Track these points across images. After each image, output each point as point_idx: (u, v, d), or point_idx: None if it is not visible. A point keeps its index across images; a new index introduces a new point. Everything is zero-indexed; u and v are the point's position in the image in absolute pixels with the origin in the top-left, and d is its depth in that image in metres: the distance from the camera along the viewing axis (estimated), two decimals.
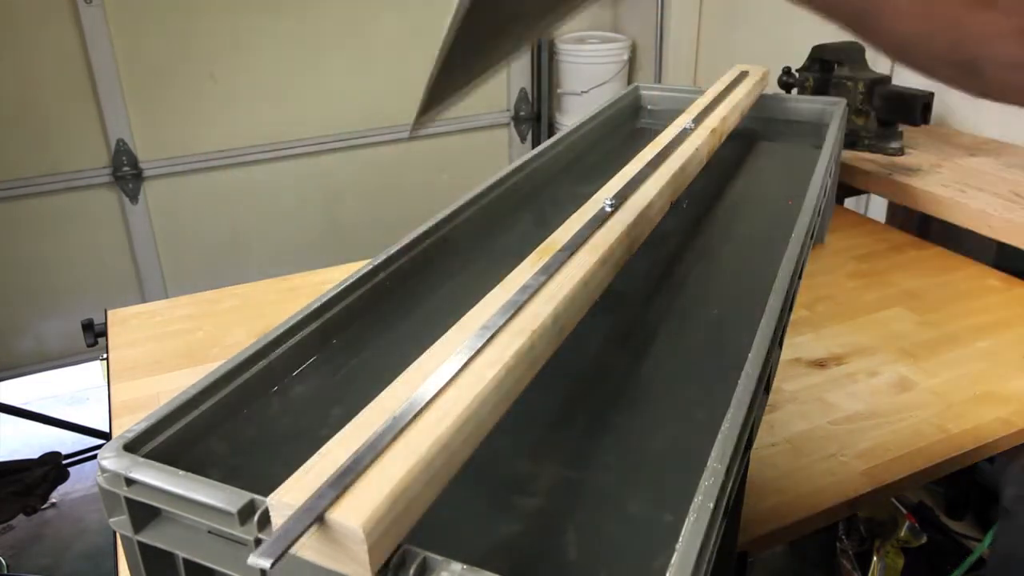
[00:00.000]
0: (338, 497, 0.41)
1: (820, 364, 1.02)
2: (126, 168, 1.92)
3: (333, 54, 2.06)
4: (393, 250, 0.78)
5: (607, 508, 0.52)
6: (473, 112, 2.36)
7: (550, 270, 0.66)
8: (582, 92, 2.61)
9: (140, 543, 0.50)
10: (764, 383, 0.60)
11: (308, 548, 0.41)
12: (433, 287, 0.80)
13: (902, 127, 1.54)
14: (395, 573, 0.42)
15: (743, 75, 1.30)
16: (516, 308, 0.60)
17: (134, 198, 1.96)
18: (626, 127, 1.33)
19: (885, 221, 1.77)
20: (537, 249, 0.70)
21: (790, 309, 0.72)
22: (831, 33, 1.59)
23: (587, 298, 0.68)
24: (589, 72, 2.61)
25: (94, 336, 1.27)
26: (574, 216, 0.77)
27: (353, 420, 0.48)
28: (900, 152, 1.52)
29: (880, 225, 1.54)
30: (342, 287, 0.72)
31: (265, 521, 0.45)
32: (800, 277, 0.80)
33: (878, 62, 1.89)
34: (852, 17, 0.37)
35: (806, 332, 1.09)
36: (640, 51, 2.70)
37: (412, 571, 0.42)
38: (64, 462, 1.94)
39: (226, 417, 0.59)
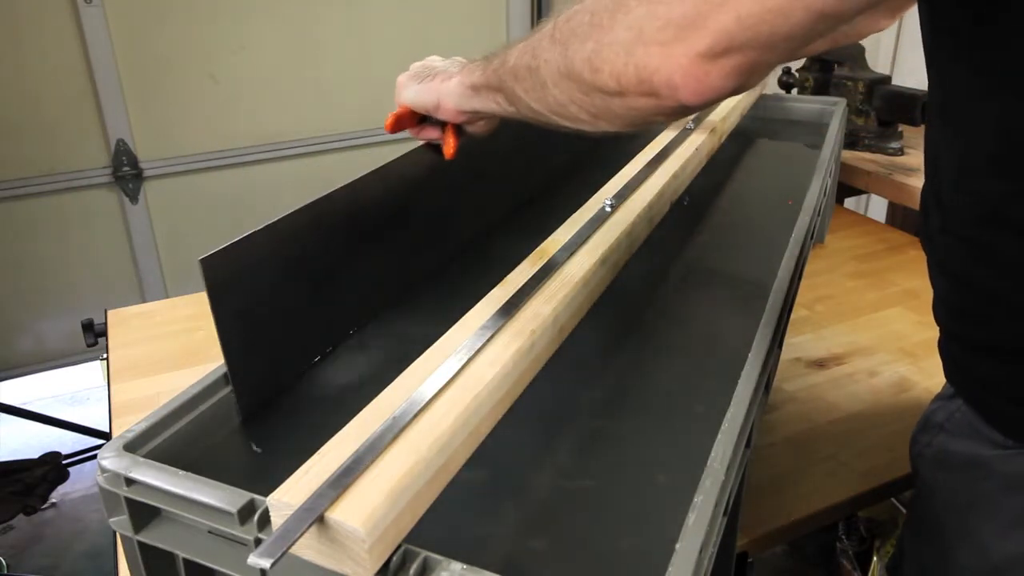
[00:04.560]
0: (338, 497, 0.41)
1: (820, 364, 1.02)
2: (126, 168, 1.91)
3: (333, 54, 2.06)
4: None
5: (605, 509, 0.52)
6: None
7: (550, 270, 0.66)
8: None
9: (140, 543, 0.50)
10: (764, 383, 0.60)
11: (308, 548, 0.41)
12: (433, 288, 0.81)
13: (902, 127, 1.54)
14: (395, 573, 0.42)
15: None
16: (516, 308, 0.60)
17: (134, 198, 1.96)
18: None
19: (885, 221, 1.77)
20: (537, 249, 0.70)
21: (790, 309, 0.72)
22: None
23: (587, 298, 0.68)
24: None
25: (94, 336, 1.27)
26: (574, 216, 0.78)
27: (353, 420, 0.48)
28: (900, 152, 1.52)
29: (880, 225, 1.54)
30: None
31: (265, 521, 0.45)
32: (800, 277, 0.80)
33: (878, 62, 1.89)
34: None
35: (806, 332, 1.09)
36: None
37: (412, 571, 0.42)
38: (64, 462, 1.94)
39: (226, 417, 0.59)
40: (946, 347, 0.60)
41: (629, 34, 0.43)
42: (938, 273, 0.59)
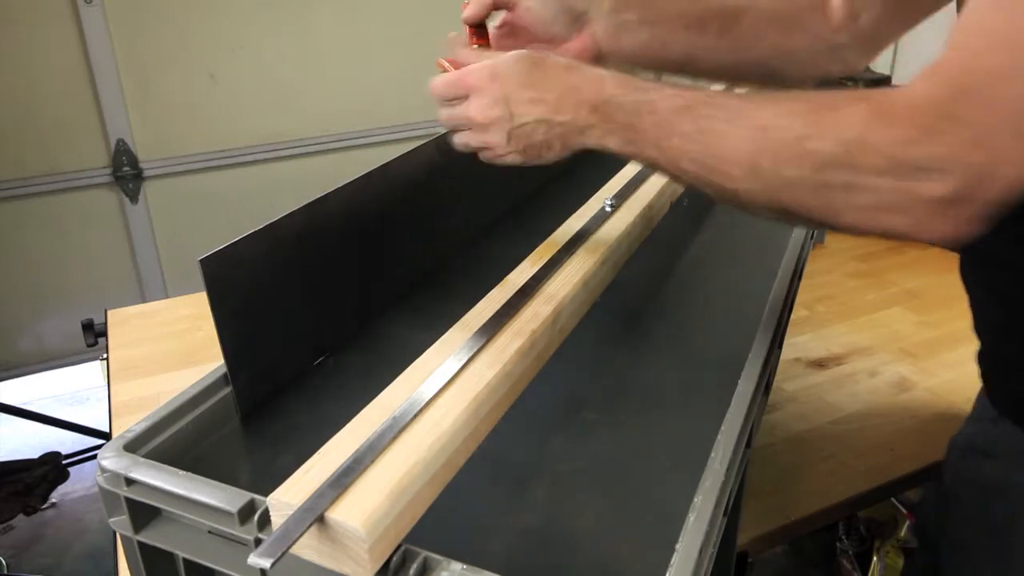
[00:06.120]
0: (338, 497, 0.41)
1: (820, 364, 1.02)
2: (126, 168, 1.91)
3: (333, 54, 2.06)
4: None
5: (604, 508, 0.52)
6: None
7: (550, 270, 0.66)
8: None
9: (140, 543, 0.50)
10: (764, 383, 0.60)
11: (308, 548, 0.41)
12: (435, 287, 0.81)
13: None
14: (395, 573, 0.42)
15: None
16: (516, 308, 0.60)
17: (134, 198, 1.96)
18: None
19: None
20: (537, 249, 0.70)
21: (790, 309, 0.72)
22: None
23: (587, 298, 0.68)
24: None
25: (94, 336, 1.27)
26: (574, 216, 0.77)
27: (353, 420, 0.48)
28: None
29: None
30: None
31: (265, 521, 0.45)
32: (800, 277, 0.80)
33: (878, 62, 1.89)
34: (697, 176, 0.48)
35: (806, 332, 1.09)
36: None
37: (412, 571, 0.42)
38: (64, 462, 1.94)
39: (226, 417, 0.59)
40: (989, 365, 0.57)
41: (877, 205, 0.40)
42: (975, 284, 0.56)
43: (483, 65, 0.55)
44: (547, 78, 0.54)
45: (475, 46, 0.65)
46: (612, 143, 0.52)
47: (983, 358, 0.58)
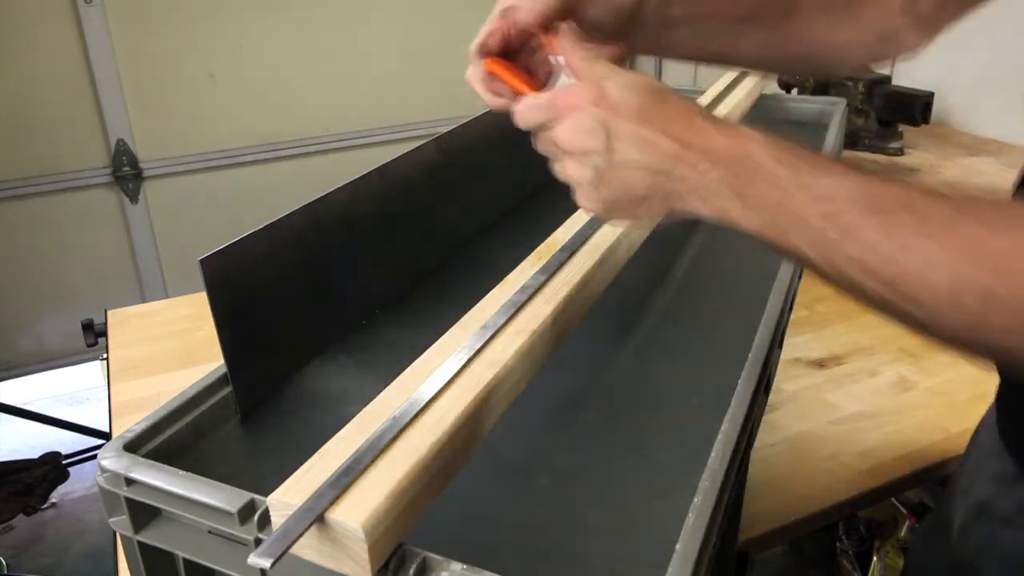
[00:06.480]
0: (338, 497, 0.41)
1: (820, 364, 1.02)
2: (126, 168, 1.92)
3: (333, 54, 2.06)
4: None
5: (603, 508, 0.52)
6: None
7: (550, 270, 0.66)
8: None
9: (140, 543, 0.50)
10: (764, 383, 0.60)
11: (308, 548, 0.41)
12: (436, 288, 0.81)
13: (902, 127, 1.54)
14: (395, 573, 0.42)
15: (743, 75, 1.30)
16: (516, 308, 0.60)
17: (134, 198, 1.96)
18: None
19: None
20: (537, 249, 0.70)
21: (790, 309, 0.72)
22: None
23: (587, 298, 0.68)
24: None
25: (94, 336, 1.27)
26: (574, 216, 0.77)
27: (353, 420, 0.48)
28: (900, 152, 1.52)
29: None
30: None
31: (265, 521, 0.45)
32: (800, 277, 0.80)
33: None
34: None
35: (806, 332, 1.09)
36: None
37: (412, 571, 0.42)
38: (64, 462, 1.94)
39: (226, 417, 0.59)
40: (1007, 401, 0.53)
41: None
42: None
43: (587, 84, 0.44)
44: (668, 116, 0.42)
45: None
46: (749, 223, 0.41)
47: (1002, 395, 0.54)
